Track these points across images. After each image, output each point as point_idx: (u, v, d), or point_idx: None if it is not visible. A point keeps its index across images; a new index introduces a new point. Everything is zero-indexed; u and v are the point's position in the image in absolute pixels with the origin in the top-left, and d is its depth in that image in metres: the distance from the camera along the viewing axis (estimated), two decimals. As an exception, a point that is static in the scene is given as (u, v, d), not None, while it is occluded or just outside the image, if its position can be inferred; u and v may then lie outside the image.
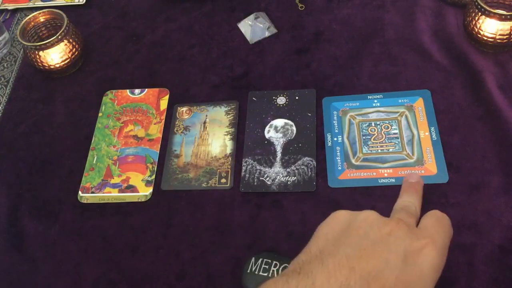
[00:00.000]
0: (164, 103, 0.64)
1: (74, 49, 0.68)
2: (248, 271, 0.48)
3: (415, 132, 0.55)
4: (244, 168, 0.57)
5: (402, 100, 0.58)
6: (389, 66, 0.62)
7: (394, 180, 0.53)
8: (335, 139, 0.57)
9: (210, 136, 0.60)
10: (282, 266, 0.47)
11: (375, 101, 0.59)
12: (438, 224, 0.39)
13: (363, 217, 0.38)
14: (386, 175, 0.53)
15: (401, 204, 0.43)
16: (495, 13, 0.56)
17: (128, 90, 0.67)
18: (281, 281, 0.34)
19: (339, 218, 0.39)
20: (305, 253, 0.37)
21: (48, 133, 0.64)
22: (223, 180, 0.56)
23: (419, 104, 0.57)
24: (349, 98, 0.60)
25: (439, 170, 0.52)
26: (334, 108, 0.59)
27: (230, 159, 0.58)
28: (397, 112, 0.57)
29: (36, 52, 0.66)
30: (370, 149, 0.55)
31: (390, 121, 0.57)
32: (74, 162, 0.61)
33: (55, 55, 0.67)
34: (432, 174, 0.52)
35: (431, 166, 0.53)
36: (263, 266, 0.48)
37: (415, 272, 0.35)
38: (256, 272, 0.47)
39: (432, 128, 0.55)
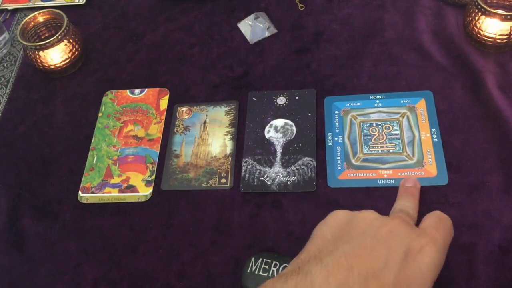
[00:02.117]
0: (164, 103, 0.64)
1: (74, 49, 0.68)
2: (248, 271, 0.48)
3: (416, 133, 0.55)
4: (244, 168, 0.57)
5: (404, 101, 0.58)
6: (389, 66, 0.61)
7: (393, 182, 0.53)
8: (336, 138, 0.57)
9: (210, 136, 0.60)
10: (282, 266, 0.47)
11: (377, 101, 0.59)
12: (439, 224, 0.39)
13: (362, 216, 0.39)
14: (386, 176, 0.53)
15: (399, 207, 0.44)
16: (495, 13, 0.56)
17: (128, 90, 0.67)
18: (280, 281, 0.34)
19: (338, 217, 0.40)
20: (304, 253, 0.37)
21: (48, 133, 0.64)
22: (223, 180, 0.56)
23: (421, 105, 0.57)
24: (351, 98, 0.60)
25: (439, 172, 0.52)
26: (335, 108, 0.59)
27: (230, 159, 0.58)
28: (399, 113, 0.57)
29: (36, 52, 0.66)
30: (370, 149, 0.55)
31: (392, 122, 0.57)
32: (74, 162, 0.61)
33: (55, 55, 0.67)
34: (432, 176, 0.52)
35: (431, 168, 0.53)
36: (263, 266, 0.48)
37: (415, 270, 0.35)
38: (256, 272, 0.47)
39: (434, 130, 0.55)
